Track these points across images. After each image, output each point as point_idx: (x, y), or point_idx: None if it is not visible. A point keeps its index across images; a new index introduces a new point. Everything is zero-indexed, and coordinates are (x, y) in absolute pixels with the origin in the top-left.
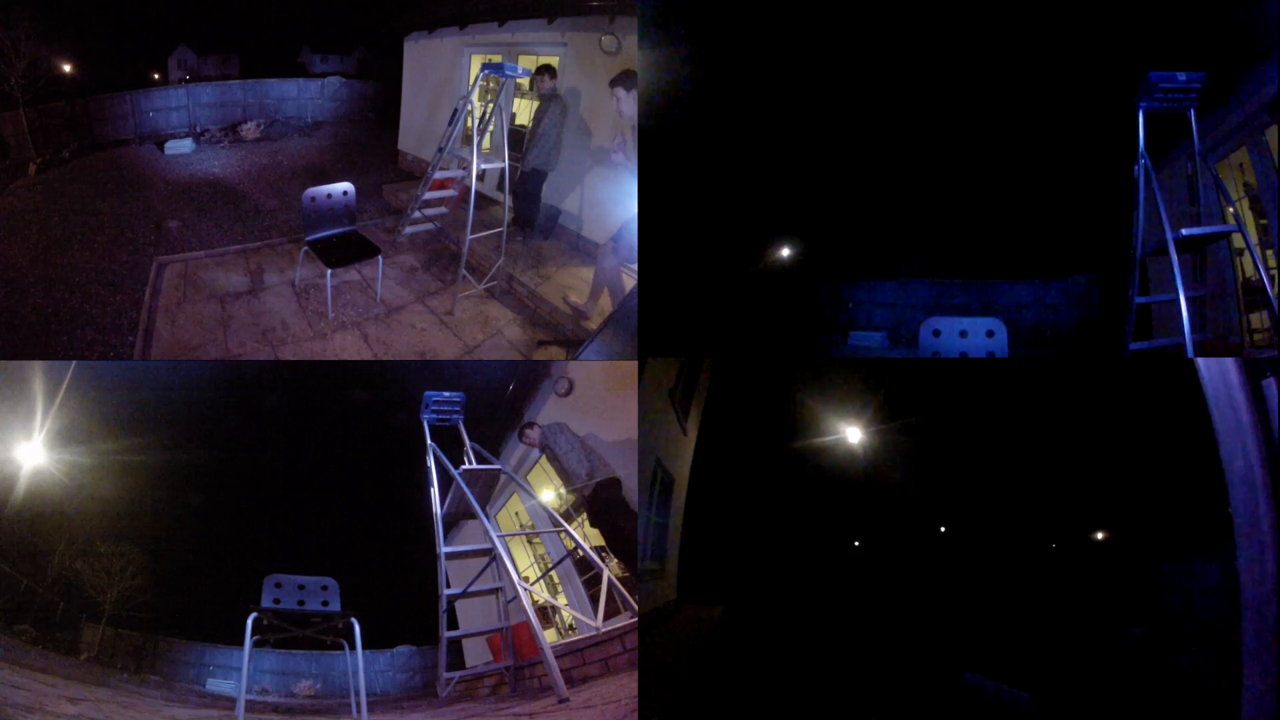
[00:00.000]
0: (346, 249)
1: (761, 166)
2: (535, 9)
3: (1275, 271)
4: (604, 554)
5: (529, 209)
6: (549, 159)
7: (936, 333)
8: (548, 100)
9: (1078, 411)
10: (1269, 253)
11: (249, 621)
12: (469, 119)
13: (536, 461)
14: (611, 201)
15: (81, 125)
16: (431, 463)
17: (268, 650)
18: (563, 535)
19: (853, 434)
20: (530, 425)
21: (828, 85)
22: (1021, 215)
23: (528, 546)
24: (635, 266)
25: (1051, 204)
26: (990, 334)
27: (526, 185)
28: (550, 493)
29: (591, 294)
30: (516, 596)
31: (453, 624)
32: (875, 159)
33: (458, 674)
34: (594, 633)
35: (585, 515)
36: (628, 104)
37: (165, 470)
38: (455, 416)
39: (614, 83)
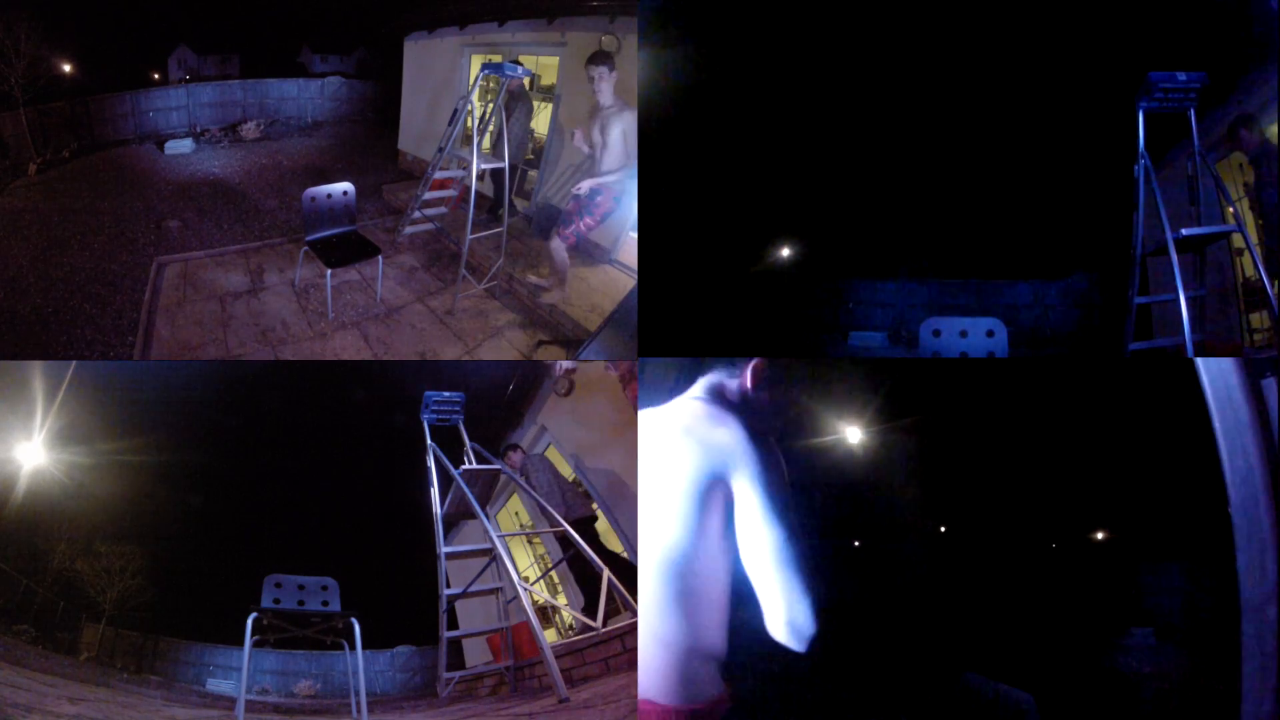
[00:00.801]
0: (346, 249)
1: (761, 166)
2: (535, 9)
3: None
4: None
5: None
6: (517, 152)
7: (936, 333)
8: (515, 98)
9: (1078, 411)
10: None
11: (249, 621)
12: (469, 119)
13: None
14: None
15: (81, 125)
16: (431, 463)
17: (268, 650)
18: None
19: (853, 434)
20: (514, 448)
21: (828, 85)
22: (1021, 215)
23: (528, 546)
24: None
25: (1051, 204)
26: (990, 334)
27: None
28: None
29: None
30: (516, 596)
31: (453, 624)
32: (875, 159)
33: (458, 674)
34: (594, 633)
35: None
36: (606, 86)
37: (165, 470)
38: (455, 416)
39: (593, 61)
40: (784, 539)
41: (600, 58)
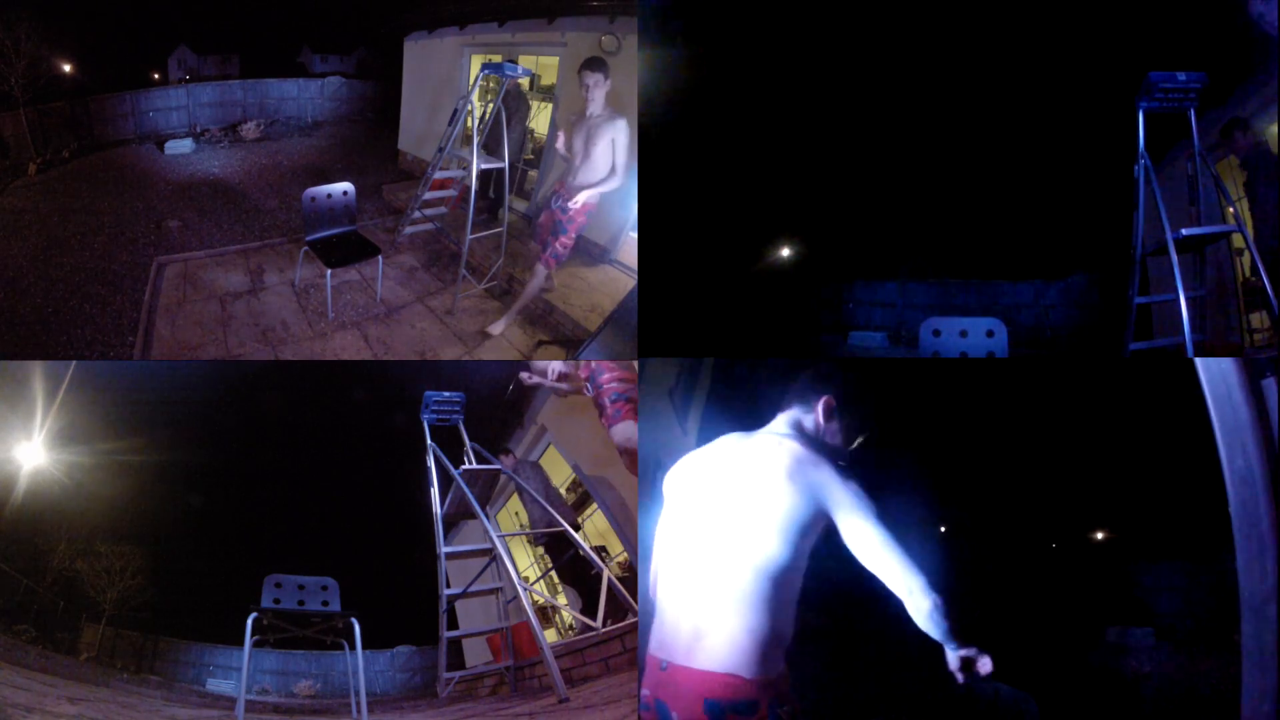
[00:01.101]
0: (346, 249)
1: (761, 167)
2: (535, 9)
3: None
4: (603, 554)
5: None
6: (516, 152)
7: (936, 333)
8: (513, 98)
9: (1078, 411)
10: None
11: (249, 621)
12: (469, 119)
13: (538, 459)
14: (612, 201)
15: (81, 125)
16: (431, 463)
17: (268, 650)
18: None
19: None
20: (507, 452)
21: (828, 85)
22: (1021, 215)
23: (528, 546)
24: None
25: (1051, 204)
26: (990, 334)
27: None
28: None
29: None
30: (516, 596)
31: (453, 624)
32: (875, 159)
33: (458, 674)
34: (594, 633)
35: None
36: (599, 94)
37: (165, 470)
38: (455, 416)
39: (588, 66)
40: (897, 546)
41: (596, 64)
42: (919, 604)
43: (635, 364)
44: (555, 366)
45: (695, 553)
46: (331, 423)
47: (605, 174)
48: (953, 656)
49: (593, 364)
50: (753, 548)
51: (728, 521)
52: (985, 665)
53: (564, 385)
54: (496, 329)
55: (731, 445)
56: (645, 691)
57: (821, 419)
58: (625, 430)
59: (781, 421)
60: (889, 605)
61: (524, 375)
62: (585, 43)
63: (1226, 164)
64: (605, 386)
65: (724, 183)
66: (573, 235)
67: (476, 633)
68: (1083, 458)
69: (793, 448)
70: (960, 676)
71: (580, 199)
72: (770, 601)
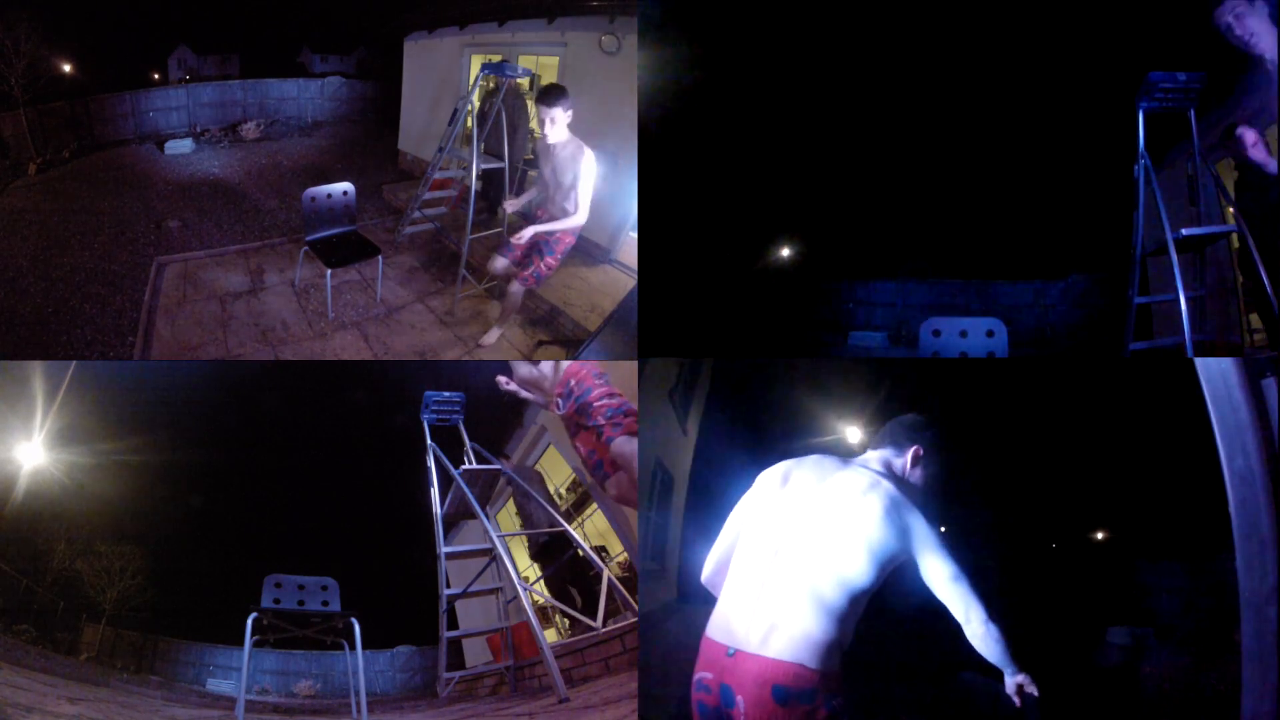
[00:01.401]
0: (346, 249)
1: (761, 166)
2: (535, 9)
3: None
4: (603, 554)
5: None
6: (516, 153)
7: (936, 333)
8: (511, 97)
9: (1078, 411)
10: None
11: (249, 621)
12: (469, 119)
13: (537, 460)
14: (611, 202)
15: (81, 125)
16: (431, 463)
17: (268, 650)
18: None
19: (852, 434)
20: (505, 457)
21: (828, 85)
22: (1021, 215)
23: (527, 547)
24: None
25: (1051, 204)
26: (990, 334)
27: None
28: (551, 489)
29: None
30: (516, 596)
31: (453, 624)
32: (875, 159)
33: (458, 674)
34: (594, 633)
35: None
36: (556, 129)
37: (165, 470)
38: (455, 416)
39: (543, 100)
40: (963, 579)
41: (551, 97)
42: (977, 630)
43: (611, 369)
44: (524, 369)
45: (783, 555)
46: (331, 423)
47: (572, 210)
48: (1010, 681)
49: (571, 381)
50: (842, 567)
51: (823, 539)
52: (1034, 693)
53: (537, 396)
54: (489, 339)
55: (830, 468)
56: (707, 675)
57: (908, 465)
58: (625, 445)
59: (875, 460)
60: (888, 611)
61: (501, 379)
62: (585, 43)
63: (1226, 164)
64: (596, 405)
65: (724, 182)
66: (559, 256)
67: (476, 633)
68: (1083, 458)
69: (889, 489)
70: (1016, 700)
71: (526, 235)
72: (845, 611)
